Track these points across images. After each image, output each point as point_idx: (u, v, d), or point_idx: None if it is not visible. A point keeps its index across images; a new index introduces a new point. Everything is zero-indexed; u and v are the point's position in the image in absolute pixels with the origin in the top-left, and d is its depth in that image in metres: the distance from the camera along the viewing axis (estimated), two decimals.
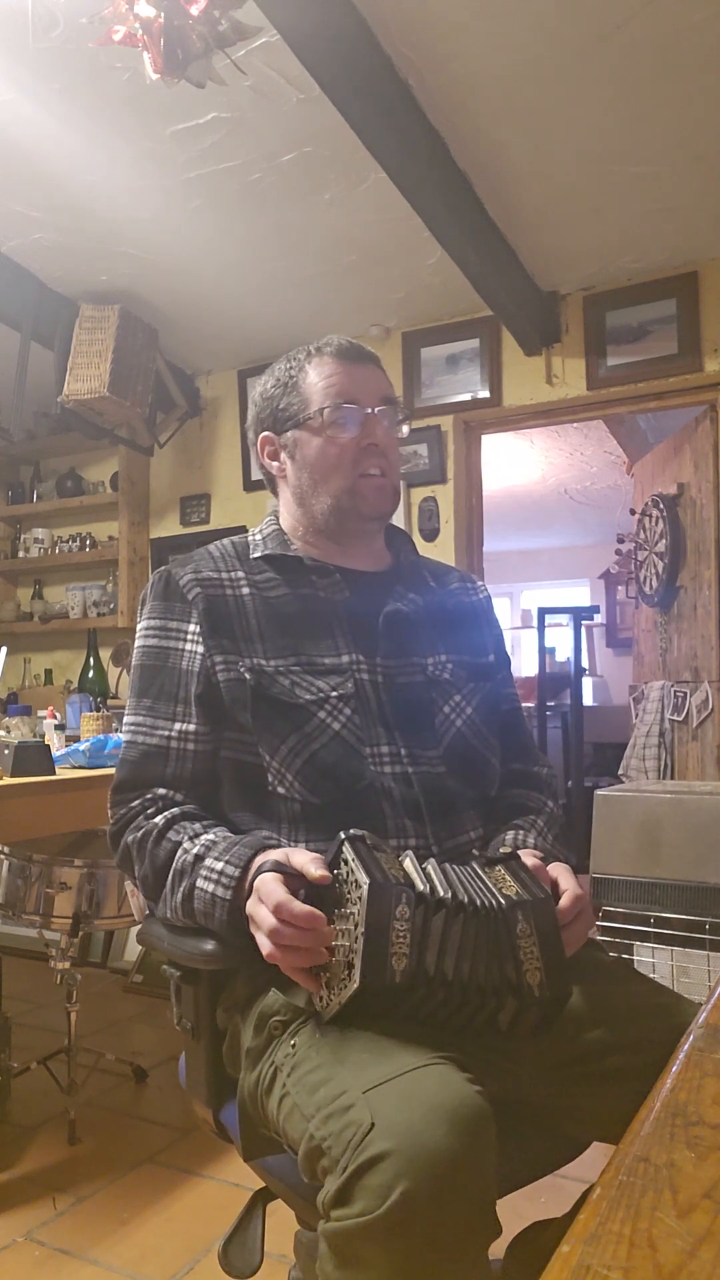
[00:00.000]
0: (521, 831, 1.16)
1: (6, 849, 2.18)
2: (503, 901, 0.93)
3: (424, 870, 0.95)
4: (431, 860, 0.98)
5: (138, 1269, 1.62)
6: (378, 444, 1.20)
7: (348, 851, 0.93)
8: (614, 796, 2.32)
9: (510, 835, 1.15)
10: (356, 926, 0.88)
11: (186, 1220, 1.76)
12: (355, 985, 0.87)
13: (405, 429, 1.26)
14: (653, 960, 2.18)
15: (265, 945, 0.94)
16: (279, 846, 1.04)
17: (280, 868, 0.97)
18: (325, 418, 1.19)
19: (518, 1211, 1.60)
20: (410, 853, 0.98)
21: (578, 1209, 0.53)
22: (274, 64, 2.16)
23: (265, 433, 1.26)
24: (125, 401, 3.31)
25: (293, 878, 0.96)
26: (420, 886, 0.92)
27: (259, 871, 0.98)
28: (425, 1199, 0.77)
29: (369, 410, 1.20)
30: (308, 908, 0.92)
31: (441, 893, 0.92)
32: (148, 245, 2.99)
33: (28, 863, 2.13)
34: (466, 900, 0.92)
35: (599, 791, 2.36)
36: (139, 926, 1.55)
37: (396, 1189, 0.77)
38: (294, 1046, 0.97)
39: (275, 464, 1.26)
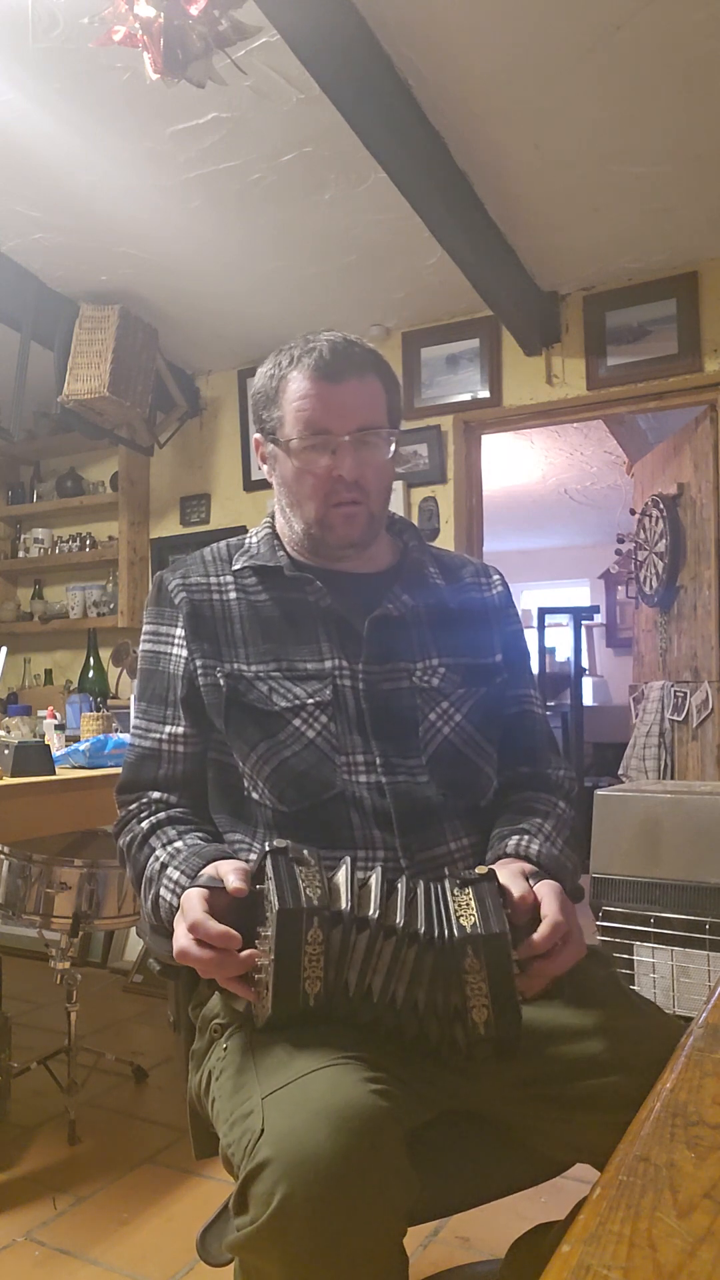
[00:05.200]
0: (527, 836, 1.10)
1: (6, 849, 2.18)
2: (455, 933, 0.89)
3: (356, 884, 0.92)
4: (374, 873, 0.94)
5: (138, 1269, 1.62)
6: (345, 477, 1.12)
7: (267, 867, 0.90)
8: (614, 796, 2.32)
9: (514, 841, 1.09)
10: (270, 951, 0.87)
11: (186, 1220, 1.76)
12: (269, 1012, 0.88)
13: (391, 449, 1.16)
14: (653, 960, 2.18)
15: None
16: (234, 857, 1.03)
17: (213, 883, 0.96)
18: (293, 448, 1.13)
19: (520, 1213, 1.61)
20: (347, 861, 0.95)
21: (578, 1210, 0.53)
22: (274, 64, 2.16)
23: (257, 434, 1.21)
24: (125, 401, 3.31)
25: (220, 892, 0.94)
26: (344, 904, 0.89)
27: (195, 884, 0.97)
28: (304, 1204, 0.75)
29: (343, 438, 1.11)
30: (221, 928, 0.90)
31: (369, 911, 0.90)
32: (148, 245, 2.99)
33: (28, 863, 2.13)
34: (401, 922, 0.90)
35: (599, 791, 2.36)
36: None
37: (276, 1195, 0.76)
38: (225, 1050, 0.98)
39: (265, 467, 1.22)
